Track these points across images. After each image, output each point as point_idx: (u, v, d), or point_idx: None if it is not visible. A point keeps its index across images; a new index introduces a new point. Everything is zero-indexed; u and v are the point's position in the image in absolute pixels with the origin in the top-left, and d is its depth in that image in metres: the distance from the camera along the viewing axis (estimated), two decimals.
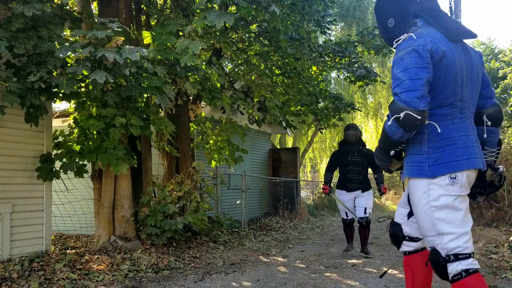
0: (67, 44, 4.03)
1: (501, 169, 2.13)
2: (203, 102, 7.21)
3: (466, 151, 1.91)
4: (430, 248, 1.99)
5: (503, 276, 4.29)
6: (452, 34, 1.93)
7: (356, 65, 8.79)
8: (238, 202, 8.83)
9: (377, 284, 4.04)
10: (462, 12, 11.61)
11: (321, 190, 5.77)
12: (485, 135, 2.07)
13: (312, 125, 13.57)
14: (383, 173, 5.89)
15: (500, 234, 6.63)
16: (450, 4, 11.46)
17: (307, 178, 23.00)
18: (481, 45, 18.52)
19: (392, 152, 2.02)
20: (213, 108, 7.88)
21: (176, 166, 6.50)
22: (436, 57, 1.88)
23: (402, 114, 1.82)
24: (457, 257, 1.88)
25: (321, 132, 13.71)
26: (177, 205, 5.56)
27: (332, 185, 6.08)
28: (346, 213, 5.77)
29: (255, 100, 8.13)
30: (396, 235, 2.24)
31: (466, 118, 1.97)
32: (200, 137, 7.25)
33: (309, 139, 16.47)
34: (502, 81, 15.06)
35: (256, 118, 8.82)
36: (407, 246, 2.19)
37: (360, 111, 16.87)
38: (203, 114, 7.47)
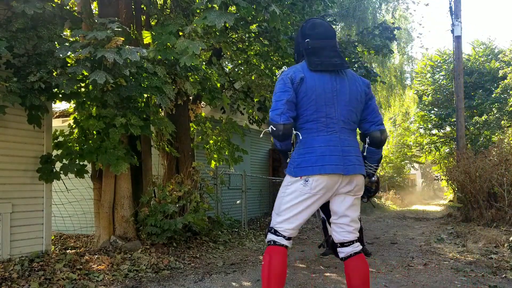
0: (67, 44, 4.03)
1: (373, 179, 2.64)
2: (203, 102, 7.21)
3: (321, 159, 2.31)
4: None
5: (503, 276, 4.29)
6: (315, 66, 2.40)
7: (356, 65, 8.79)
8: (238, 202, 8.83)
9: (377, 284, 4.04)
10: (462, 12, 11.60)
11: None
12: (365, 153, 2.53)
13: None
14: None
15: (500, 234, 6.64)
16: (450, 4, 11.47)
17: None
18: (481, 45, 18.47)
19: (288, 159, 2.51)
20: (213, 108, 7.88)
21: (176, 166, 6.50)
22: (295, 82, 2.35)
23: (269, 128, 2.38)
24: (276, 232, 2.43)
25: None
26: (177, 205, 5.56)
27: None
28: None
29: (255, 100, 8.13)
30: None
31: (334, 131, 2.37)
32: (200, 137, 7.25)
33: None
34: (502, 81, 15.05)
35: (256, 118, 8.82)
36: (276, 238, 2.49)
37: None
38: (203, 114, 7.48)
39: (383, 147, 2.60)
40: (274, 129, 2.34)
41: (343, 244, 2.44)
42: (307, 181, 2.32)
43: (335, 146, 2.34)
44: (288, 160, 2.51)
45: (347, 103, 2.39)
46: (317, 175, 2.30)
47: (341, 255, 2.47)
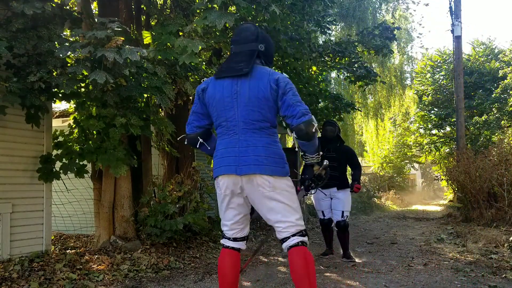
0: (67, 44, 4.03)
1: (324, 163, 2.76)
2: None
3: (220, 161, 2.49)
4: None
5: (503, 276, 4.29)
6: (217, 74, 2.55)
7: (356, 65, 8.80)
8: None
9: (377, 284, 4.04)
10: (462, 12, 11.60)
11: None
12: (296, 148, 2.79)
13: None
14: (361, 171, 5.78)
15: (500, 234, 6.63)
16: (450, 4, 11.46)
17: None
18: (481, 45, 18.46)
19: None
20: None
21: (176, 166, 6.50)
22: (199, 94, 2.59)
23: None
24: (224, 235, 2.66)
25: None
26: (177, 205, 5.56)
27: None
28: (322, 212, 5.47)
29: None
30: None
31: (235, 133, 2.46)
32: None
33: None
34: (502, 81, 15.04)
35: None
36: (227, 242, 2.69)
37: (360, 111, 16.84)
38: None
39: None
40: (186, 137, 2.68)
41: (281, 240, 2.54)
42: (217, 183, 2.53)
43: (232, 147, 2.46)
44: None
45: (246, 103, 2.43)
46: (220, 176, 2.49)
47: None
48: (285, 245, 2.49)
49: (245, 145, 2.43)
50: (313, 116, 2.43)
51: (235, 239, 2.60)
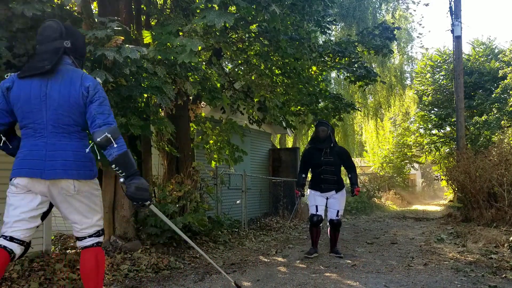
0: None
1: (122, 181, 2.49)
2: (203, 102, 7.21)
3: (21, 163, 2.44)
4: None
5: (503, 276, 4.29)
6: (21, 73, 2.48)
7: (356, 65, 8.78)
8: (238, 202, 8.83)
9: (377, 284, 4.04)
10: (462, 12, 11.59)
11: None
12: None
13: (312, 125, 13.54)
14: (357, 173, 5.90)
15: (500, 234, 6.63)
16: (450, 4, 11.46)
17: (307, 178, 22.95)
18: (481, 45, 18.45)
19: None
20: (213, 108, 7.88)
21: (176, 166, 6.50)
22: (4, 91, 2.46)
23: None
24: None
25: None
26: (177, 205, 5.56)
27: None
28: (316, 206, 5.52)
29: (255, 100, 8.12)
30: None
31: (42, 136, 2.43)
32: (200, 137, 7.25)
33: (309, 139, 16.51)
34: (502, 81, 15.04)
35: (256, 118, 8.82)
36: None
37: (360, 111, 16.85)
38: (203, 114, 7.47)
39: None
40: None
41: (76, 238, 2.62)
42: (14, 183, 2.45)
43: (38, 150, 2.42)
44: None
45: (56, 107, 2.43)
46: (19, 177, 2.43)
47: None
48: (80, 244, 2.60)
49: (53, 149, 2.42)
50: (110, 127, 2.44)
51: (11, 239, 2.46)
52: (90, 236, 2.58)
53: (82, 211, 2.53)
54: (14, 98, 2.45)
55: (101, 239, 2.62)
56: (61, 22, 2.59)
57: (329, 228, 5.65)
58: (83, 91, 2.46)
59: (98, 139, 2.41)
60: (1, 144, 2.58)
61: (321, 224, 5.63)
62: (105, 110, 2.49)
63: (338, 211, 5.51)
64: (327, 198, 5.55)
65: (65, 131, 2.47)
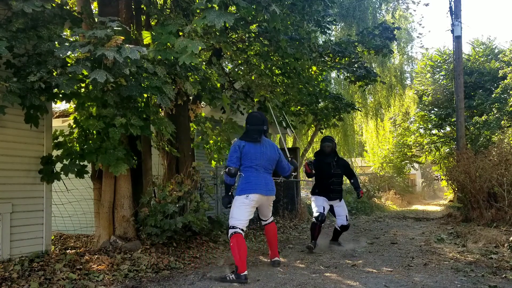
0: (67, 44, 4.03)
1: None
2: (203, 102, 7.21)
3: (254, 185, 4.54)
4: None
5: (503, 276, 4.29)
6: (248, 139, 4.65)
7: (356, 65, 8.79)
8: None
9: (377, 284, 4.04)
10: (462, 12, 11.58)
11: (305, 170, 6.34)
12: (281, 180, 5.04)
13: (312, 125, 13.56)
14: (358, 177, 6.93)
15: (500, 234, 6.63)
16: (450, 4, 11.46)
17: (307, 178, 22.96)
18: (481, 45, 18.44)
19: (229, 191, 4.69)
20: (213, 108, 7.87)
21: (176, 166, 6.49)
22: (240, 147, 4.60)
23: (227, 169, 4.56)
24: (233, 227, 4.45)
25: (321, 132, 13.69)
26: (177, 205, 5.56)
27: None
28: (323, 207, 6.17)
29: (255, 100, 8.12)
30: None
31: (261, 172, 4.63)
32: (200, 137, 7.24)
33: (309, 139, 16.47)
34: (502, 81, 15.04)
35: None
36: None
37: (360, 111, 16.84)
38: (203, 114, 7.46)
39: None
40: (229, 170, 4.52)
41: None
42: (248, 196, 4.49)
43: (260, 178, 4.59)
44: (232, 189, 4.66)
45: (267, 159, 4.69)
46: (253, 193, 4.51)
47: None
48: (264, 223, 5.14)
49: (265, 178, 4.65)
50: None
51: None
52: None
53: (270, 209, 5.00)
54: (246, 150, 4.59)
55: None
56: (262, 113, 5.00)
57: (335, 228, 6.59)
58: (277, 153, 4.82)
59: (287, 176, 5.12)
60: (234, 178, 4.67)
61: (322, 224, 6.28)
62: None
63: (346, 216, 6.40)
64: (330, 205, 6.35)
65: (268, 171, 4.75)
